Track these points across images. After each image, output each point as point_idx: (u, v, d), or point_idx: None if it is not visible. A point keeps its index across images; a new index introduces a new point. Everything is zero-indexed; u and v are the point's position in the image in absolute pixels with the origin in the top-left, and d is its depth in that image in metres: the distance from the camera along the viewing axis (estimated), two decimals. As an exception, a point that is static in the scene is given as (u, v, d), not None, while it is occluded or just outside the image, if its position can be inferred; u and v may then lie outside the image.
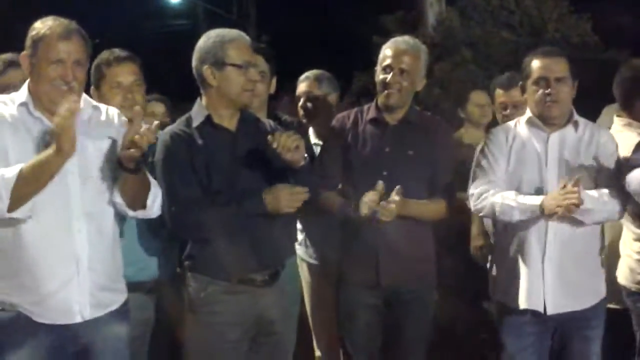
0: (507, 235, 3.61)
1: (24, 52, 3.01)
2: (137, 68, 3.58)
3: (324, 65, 4.71)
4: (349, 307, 3.77)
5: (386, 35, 7.73)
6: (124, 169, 2.91)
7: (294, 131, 3.45)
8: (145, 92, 3.63)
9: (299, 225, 4.39)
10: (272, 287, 3.39)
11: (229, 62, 3.31)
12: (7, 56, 3.86)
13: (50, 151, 2.81)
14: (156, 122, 2.92)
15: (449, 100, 7.26)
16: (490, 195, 3.50)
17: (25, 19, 3.14)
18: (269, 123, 3.57)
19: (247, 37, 3.40)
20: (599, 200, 3.43)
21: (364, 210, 3.45)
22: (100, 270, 3.03)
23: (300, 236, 4.42)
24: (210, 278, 3.33)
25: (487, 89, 4.75)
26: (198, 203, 3.26)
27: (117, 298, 3.13)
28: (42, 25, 2.98)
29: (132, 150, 2.84)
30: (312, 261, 4.38)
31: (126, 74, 3.52)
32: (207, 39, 3.36)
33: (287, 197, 3.27)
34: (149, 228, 3.48)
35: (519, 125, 3.63)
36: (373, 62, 3.81)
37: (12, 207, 2.83)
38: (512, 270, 3.58)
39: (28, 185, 2.83)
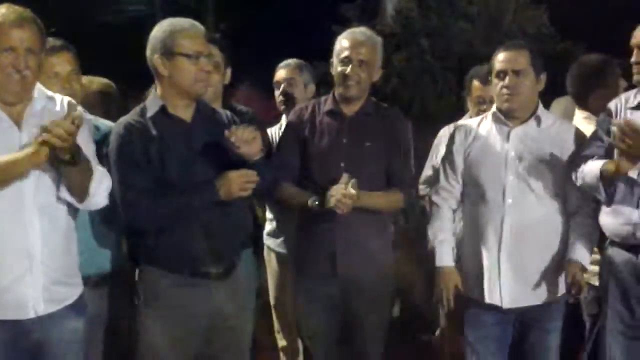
0: (468, 228, 3.66)
1: None
2: (73, 57, 3.50)
3: (283, 54, 4.71)
4: (306, 298, 3.77)
5: (345, 24, 7.74)
6: (61, 161, 2.85)
7: (248, 122, 3.44)
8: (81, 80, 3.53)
9: (269, 215, 4.37)
10: (226, 281, 3.36)
11: (179, 51, 3.26)
12: None
13: (22, 154, 2.81)
14: (79, 109, 2.86)
15: (406, 91, 7.28)
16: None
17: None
18: (225, 114, 3.53)
19: (201, 27, 3.35)
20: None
21: (331, 203, 3.47)
22: (54, 264, 2.99)
23: (269, 226, 4.41)
24: (164, 271, 3.29)
25: (443, 80, 4.74)
26: (151, 193, 3.22)
27: (72, 292, 3.09)
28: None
29: (53, 139, 2.74)
30: (282, 250, 4.37)
31: (63, 63, 3.43)
32: (159, 28, 3.32)
33: (238, 181, 3.23)
34: (101, 220, 3.42)
35: (485, 120, 3.67)
36: (331, 51, 3.80)
37: None
38: (471, 263, 3.63)
39: None
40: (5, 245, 2.91)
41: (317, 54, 4.98)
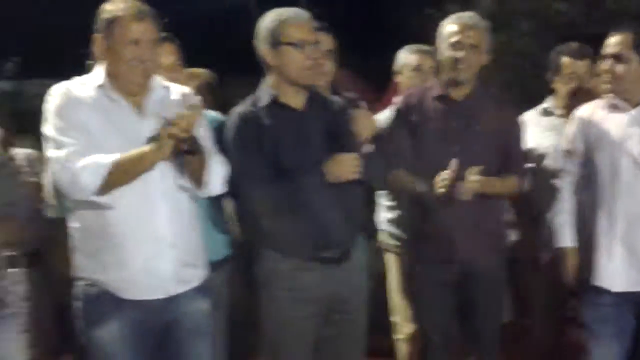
0: (583, 210, 3.67)
1: (95, 34, 3.06)
2: (176, 48, 3.65)
3: (376, 39, 4.67)
4: (422, 284, 3.82)
5: (440, 7, 7.69)
6: (180, 150, 2.97)
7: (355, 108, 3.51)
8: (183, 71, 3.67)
9: (388, 203, 4.37)
10: (343, 265, 3.42)
11: (285, 40, 3.32)
12: None
13: (150, 149, 2.93)
14: (198, 103, 2.96)
15: (504, 72, 7.22)
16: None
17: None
18: (337, 102, 3.59)
19: (306, 15, 3.39)
20: None
21: (440, 189, 3.50)
22: (182, 246, 3.10)
23: (389, 214, 4.40)
24: (282, 255, 3.37)
25: (543, 61, 4.52)
26: (266, 180, 3.31)
27: (199, 274, 3.20)
28: (114, 7, 3.04)
29: (174, 129, 2.88)
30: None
31: (166, 54, 3.55)
32: (265, 19, 3.38)
33: (347, 163, 3.29)
34: (213, 207, 3.53)
35: (601, 104, 3.67)
36: (426, 35, 3.84)
37: (102, 191, 2.93)
38: (584, 245, 3.64)
39: (121, 176, 2.94)
40: (136, 228, 3.03)
41: (411, 37, 4.98)
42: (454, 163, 3.50)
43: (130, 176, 2.97)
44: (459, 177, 3.52)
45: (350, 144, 3.39)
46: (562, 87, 4.27)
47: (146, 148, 2.95)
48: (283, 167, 3.32)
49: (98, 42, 3.06)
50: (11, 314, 3.25)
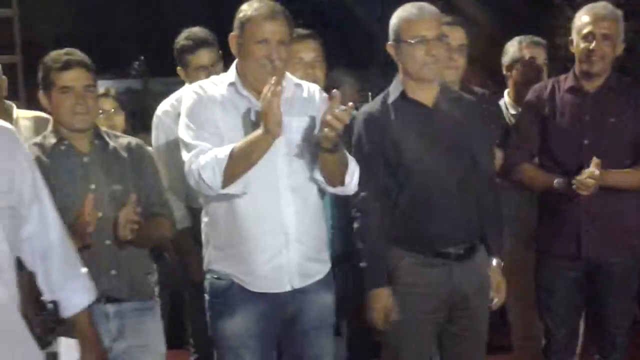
0: None
1: (232, 34, 3.15)
2: (318, 45, 3.68)
3: (504, 29, 4.57)
4: (548, 280, 3.74)
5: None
6: (322, 148, 2.99)
7: (487, 104, 3.45)
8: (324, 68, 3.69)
9: None
10: (467, 262, 3.39)
11: (403, 38, 3.32)
12: (198, 33, 4.08)
13: (258, 132, 2.94)
14: (350, 104, 2.96)
15: (635, 62, 6.98)
16: None
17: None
18: (470, 99, 3.55)
19: (433, 11, 3.35)
20: None
21: (583, 189, 3.43)
22: (307, 241, 3.14)
23: None
24: (406, 250, 3.37)
25: None
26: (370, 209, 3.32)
27: (323, 268, 3.22)
28: (248, 7, 3.11)
29: (326, 130, 2.91)
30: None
31: (307, 50, 3.61)
32: (394, 16, 3.39)
33: None
34: (335, 204, 3.54)
35: None
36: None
37: (225, 184, 2.98)
38: None
39: (239, 164, 2.97)
40: (264, 223, 3.08)
41: (540, 26, 4.85)
42: (595, 161, 3.43)
43: (247, 163, 2.98)
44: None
45: (478, 141, 3.35)
46: None
47: (254, 133, 2.97)
48: (406, 162, 3.31)
49: (233, 41, 3.14)
50: (154, 305, 3.34)
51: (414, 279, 3.35)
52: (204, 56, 4.02)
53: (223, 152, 2.96)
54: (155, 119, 4.10)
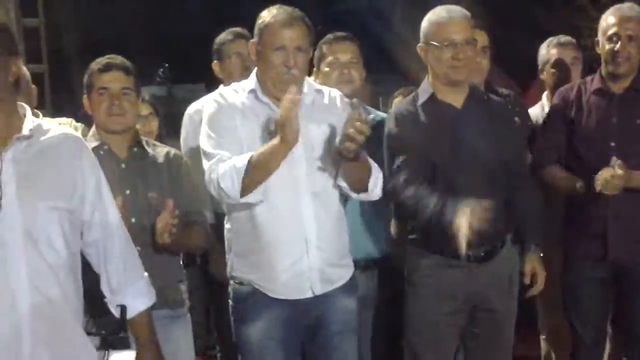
0: None
1: (251, 41, 3.16)
2: (355, 47, 3.75)
3: (523, 29, 4.56)
4: (574, 282, 3.72)
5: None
6: (343, 157, 2.97)
7: (512, 105, 3.45)
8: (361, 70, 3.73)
9: None
10: (487, 264, 3.38)
11: (430, 40, 3.34)
12: (237, 29, 4.24)
13: (275, 141, 2.94)
14: (371, 116, 2.95)
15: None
16: None
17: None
18: (499, 101, 3.55)
19: (461, 15, 3.36)
20: None
21: (598, 186, 3.40)
22: (328, 247, 3.12)
23: None
24: (426, 252, 3.38)
25: None
26: (417, 180, 3.30)
27: (345, 274, 3.21)
28: (267, 14, 3.11)
29: (347, 144, 2.88)
30: None
31: (343, 51, 3.68)
32: (425, 19, 3.41)
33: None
34: (369, 208, 3.56)
35: None
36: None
37: (244, 193, 2.98)
38: None
39: (257, 173, 2.96)
40: (285, 229, 3.07)
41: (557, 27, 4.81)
42: (614, 160, 3.40)
43: (265, 172, 2.98)
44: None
45: (503, 143, 3.35)
46: None
47: (272, 142, 2.96)
48: (436, 163, 3.31)
49: (252, 48, 3.15)
50: (184, 313, 3.35)
51: (432, 280, 3.36)
52: (242, 45, 4.09)
53: (241, 161, 2.96)
54: (186, 118, 4.19)
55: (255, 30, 3.13)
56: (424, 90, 3.43)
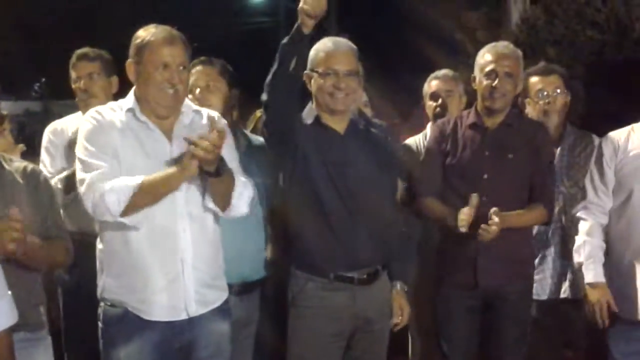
0: (617, 245, 3.59)
1: (129, 60, 3.12)
2: (212, 70, 3.72)
3: (401, 63, 4.69)
4: (446, 309, 3.80)
5: (470, 33, 7.62)
6: (206, 172, 2.98)
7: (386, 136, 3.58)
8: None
9: None
10: (370, 286, 3.45)
11: (314, 68, 3.42)
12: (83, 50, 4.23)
13: (175, 170, 2.95)
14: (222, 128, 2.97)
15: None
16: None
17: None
18: (379, 128, 3.61)
19: (346, 46, 3.45)
20: None
21: (462, 227, 3.51)
22: (204, 268, 3.11)
23: None
24: (310, 274, 3.41)
25: (571, 90, 4.27)
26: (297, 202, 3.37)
27: (220, 296, 3.21)
28: (145, 33, 3.10)
29: (191, 148, 2.86)
30: None
31: (202, 76, 3.67)
32: (314, 48, 3.45)
33: None
34: (245, 231, 3.53)
35: (633, 132, 3.64)
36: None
37: (125, 213, 2.94)
38: (622, 280, 3.56)
39: (146, 198, 2.96)
40: (160, 250, 3.04)
41: (440, 62, 4.96)
42: (474, 199, 3.52)
43: (155, 197, 2.98)
44: (482, 212, 3.51)
45: (392, 168, 3.47)
46: (532, 109, 4.11)
47: (171, 169, 2.97)
48: (314, 187, 3.37)
49: (130, 67, 3.12)
50: (44, 336, 3.21)
51: (316, 302, 3.40)
52: (82, 67, 4.17)
53: (132, 181, 2.93)
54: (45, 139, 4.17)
55: (133, 50, 3.10)
56: (308, 114, 3.48)
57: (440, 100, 4.42)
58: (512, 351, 3.76)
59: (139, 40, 3.09)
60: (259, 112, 4.45)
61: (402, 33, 10.12)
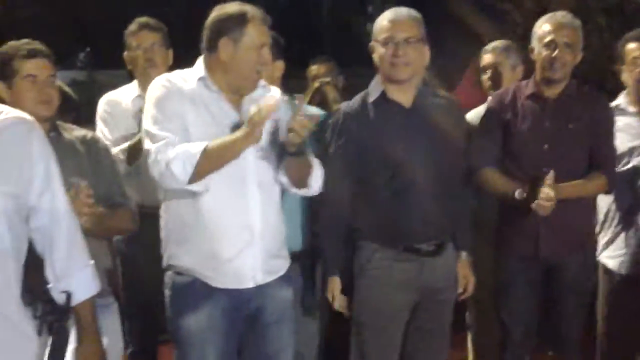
0: None
1: (225, 37, 3.06)
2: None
3: (447, 33, 4.66)
4: (506, 278, 3.83)
5: (517, 2, 7.56)
6: (287, 152, 3.03)
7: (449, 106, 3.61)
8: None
9: None
10: (437, 258, 3.51)
11: (376, 39, 3.46)
12: (143, 19, 4.23)
13: (239, 135, 2.96)
14: (316, 111, 3.01)
15: (583, 68, 7.10)
16: None
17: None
18: (446, 98, 3.66)
19: (406, 15, 3.46)
20: None
21: (541, 210, 3.51)
22: (271, 237, 3.16)
23: None
24: (378, 245, 3.47)
25: None
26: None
27: (284, 264, 3.26)
28: (246, 8, 3.09)
29: (291, 135, 2.96)
30: None
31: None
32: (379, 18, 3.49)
33: None
34: (305, 202, 3.61)
35: None
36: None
37: (192, 180, 2.97)
38: None
39: (211, 163, 2.97)
40: (230, 219, 3.08)
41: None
42: (550, 177, 3.50)
43: (220, 163, 3.00)
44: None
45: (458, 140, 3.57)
46: (628, 77, 4.03)
47: (235, 134, 2.99)
48: (386, 160, 3.43)
49: (227, 45, 3.07)
50: (111, 302, 3.31)
51: (384, 273, 3.46)
52: (144, 37, 4.13)
53: (196, 147, 2.95)
54: (100, 109, 4.19)
55: (226, 24, 3.05)
56: (374, 89, 3.52)
57: (489, 73, 4.44)
58: (571, 321, 3.79)
59: (238, 14, 3.05)
60: (316, 83, 4.51)
61: (448, 2, 10.05)
